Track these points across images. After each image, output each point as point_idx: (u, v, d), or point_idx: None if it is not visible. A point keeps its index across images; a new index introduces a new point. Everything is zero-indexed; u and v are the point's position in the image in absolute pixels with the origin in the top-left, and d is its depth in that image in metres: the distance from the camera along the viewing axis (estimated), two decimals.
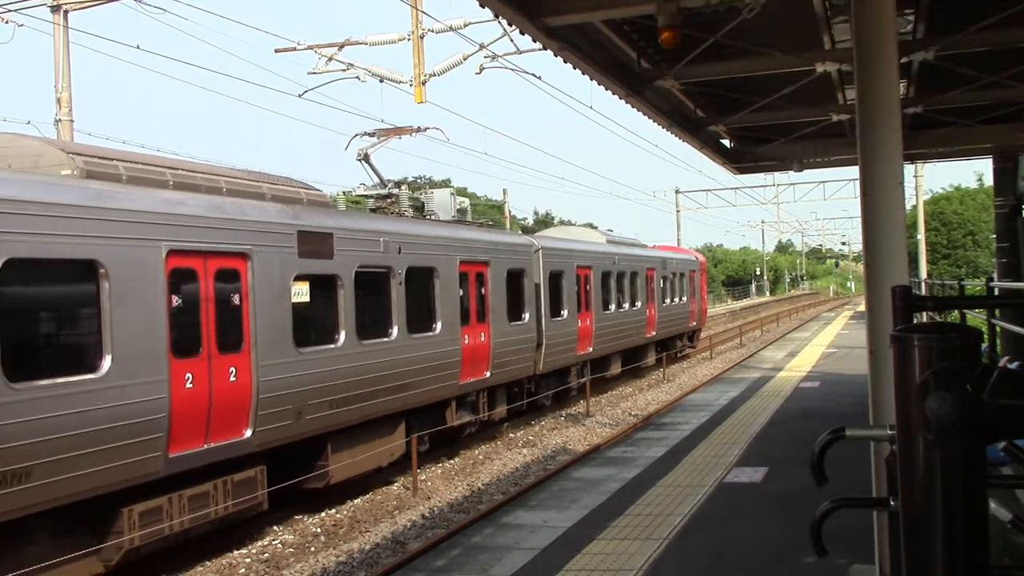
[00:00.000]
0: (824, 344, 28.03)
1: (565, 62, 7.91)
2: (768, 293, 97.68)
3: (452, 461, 15.62)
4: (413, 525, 11.72)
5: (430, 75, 19.37)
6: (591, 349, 21.96)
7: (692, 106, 11.53)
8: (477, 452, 16.36)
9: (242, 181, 11.58)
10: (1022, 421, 1.75)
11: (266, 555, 10.70)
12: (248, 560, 10.52)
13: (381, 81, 20.09)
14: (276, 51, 20.35)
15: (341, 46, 20.18)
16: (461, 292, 15.60)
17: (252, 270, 10.57)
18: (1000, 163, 15.46)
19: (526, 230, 50.57)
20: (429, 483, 14.02)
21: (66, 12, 16.59)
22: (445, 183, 74.02)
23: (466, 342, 15.66)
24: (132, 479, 8.91)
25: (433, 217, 17.31)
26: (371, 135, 17.20)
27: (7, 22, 15.87)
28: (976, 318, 11.16)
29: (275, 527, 11.78)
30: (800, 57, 8.79)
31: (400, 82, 19.73)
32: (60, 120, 16.67)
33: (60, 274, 8.61)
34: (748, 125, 12.41)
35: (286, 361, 11.00)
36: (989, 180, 44.66)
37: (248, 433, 10.37)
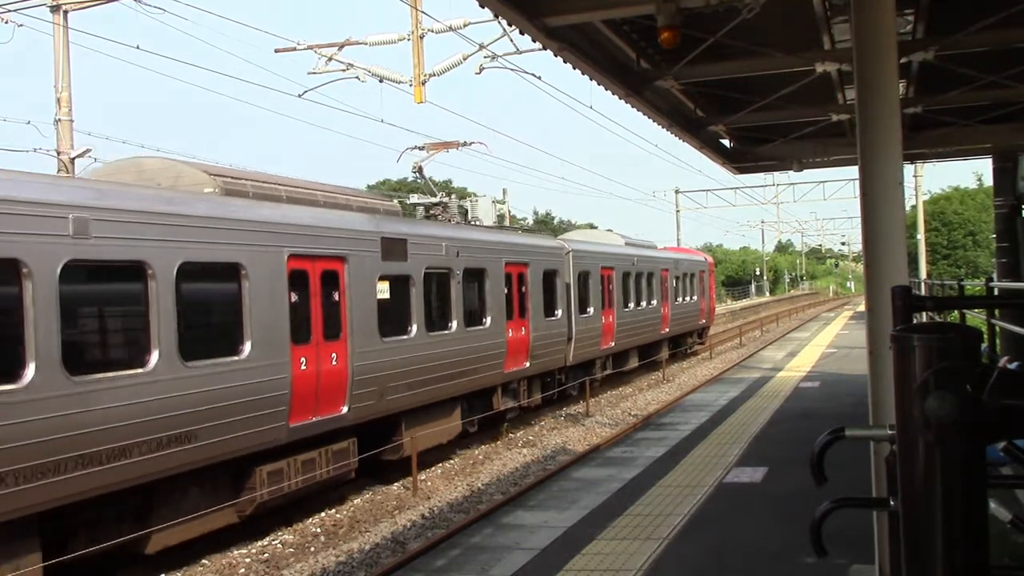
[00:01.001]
0: (824, 344, 28.03)
1: (565, 62, 7.91)
2: (768, 293, 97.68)
3: (452, 461, 15.62)
4: (413, 525, 11.72)
5: (430, 75, 19.35)
6: (613, 344, 23.61)
7: (692, 106, 11.52)
8: (477, 452, 16.36)
9: (334, 195, 13.44)
10: (1022, 421, 1.74)
11: (266, 555, 10.70)
12: (248, 560, 10.52)
13: (381, 81, 20.06)
14: (276, 51, 20.32)
15: (341, 46, 20.15)
16: (506, 290, 17.40)
17: (348, 271, 12.45)
18: (1000, 163, 15.45)
19: (529, 231, 50.60)
20: (429, 483, 14.02)
21: (66, 12, 16.57)
22: (446, 183, 74.07)
23: (510, 335, 17.45)
24: (264, 443, 10.74)
25: (477, 223, 18.98)
26: (421, 148, 19.23)
27: (7, 22, 15.86)
28: (976, 318, 11.16)
29: (275, 527, 11.77)
30: (800, 57, 8.79)
31: (400, 82, 19.70)
32: (60, 120, 16.66)
33: (217, 274, 10.43)
34: (748, 125, 12.41)
35: (373, 349, 12.86)
36: (988, 180, 44.69)
37: (345, 409, 12.18)
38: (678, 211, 61.53)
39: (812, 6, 7.63)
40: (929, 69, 9.28)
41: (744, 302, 78.43)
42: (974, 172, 63.72)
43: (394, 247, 13.52)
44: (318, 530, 11.70)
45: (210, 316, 10.71)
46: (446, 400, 15.06)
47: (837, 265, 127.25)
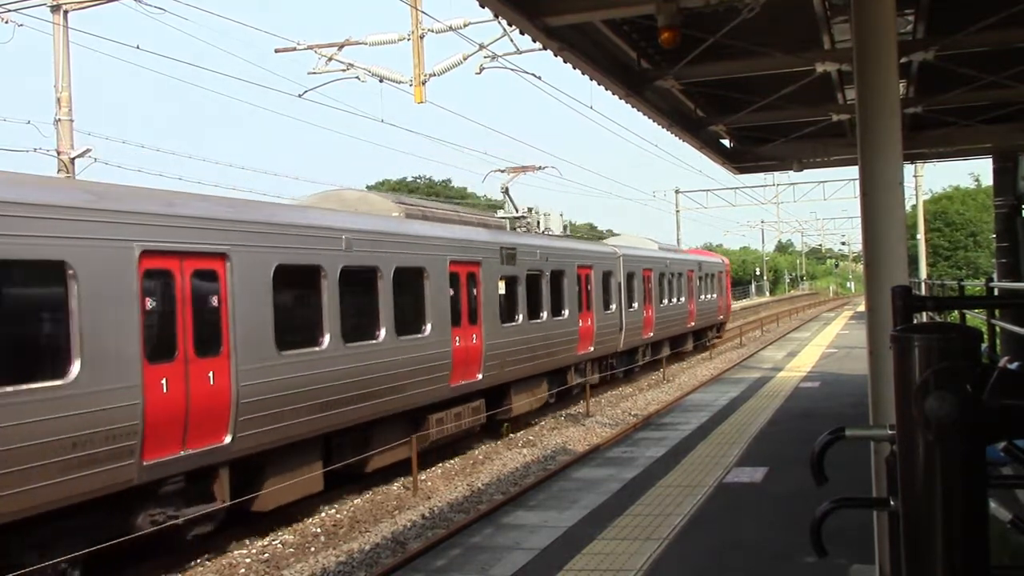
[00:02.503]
0: (824, 344, 28.02)
1: (565, 62, 7.91)
2: (768, 293, 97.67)
3: (452, 461, 15.62)
4: (413, 525, 11.71)
5: (430, 75, 19.33)
6: (652, 334, 27.55)
7: (692, 106, 11.52)
8: (477, 452, 16.36)
9: (466, 215, 18.35)
10: (1022, 421, 1.74)
11: (266, 555, 10.70)
12: (248, 560, 10.51)
13: (381, 81, 20.04)
14: (276, 51, 20.28)
15: (341, 46, 20.14)
16: (577, 288, 21.28)
17: (481, 273, 16.49)
18: (1000, 163, 15.45)
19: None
20: (429, 483, 14.02)
21: (66, 12, 16.55)
22: (446, 183, 74.01)
23: (580, 324, 21.32)
24: (436, 397, 14.69)
25: (548, 232, 22.92)
26: (503, 172, 24.15)
27: (7, 22, 15.83)
28: (976, 318, 11.16)
29: (275, 527, 11.77)
30: (800, 57, 8.79)
31: (400, 82, 19.69)
32: (60, 120, 16.64)
33: (412, 276, 14.21)
34: (748, 125, 12.41)
35: (497, 331, 16.83)
36: (986, 181, 44.57)
37: (480, 376, 16.15)
38: (678, 211, 61.48)
39: (812, 6, 7.63)
40: (929, 69, 9.28)
41: (744, 302, 78.36)
42: (970, 174, 63.54)
43: (508, 254, 17.74)
44: (318, 530, 11.70)
45: (410, 304, 14.27)
46: (538, 375, 19.10)
47: (837, 265, 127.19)
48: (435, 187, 72.48)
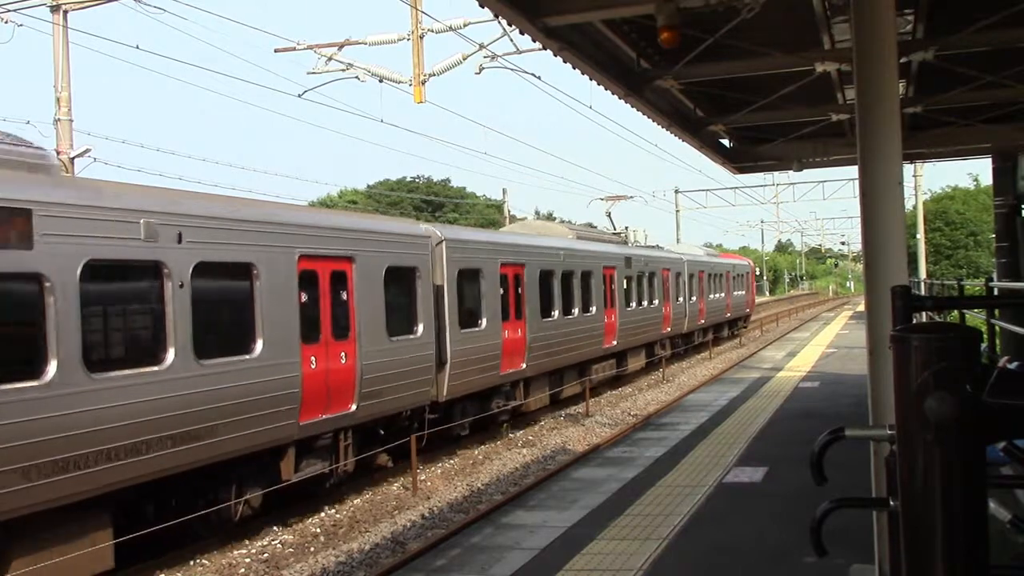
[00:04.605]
0: (824, 344, 28.03)
1: (565, 62, 7.91)
2: (768, 293, 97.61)
3: (452, 461, 15.62)
4: (413, 525, 11.71)
5: (430, 75, 19.33)
6: (703, 321, 35.55)
7: (692, 106, 11.52)
8: (477, 452, 16.36)
9: (600, 233, 28.11)
10: (1022, 421, 1.74)
11: (266, 555, 10.69)
12: (248, 560, 10.51)
13: (381, 81, 20.04)
14: (276, 51, 20.28)
15: (341, 46, 20.13)
16: (662, 285, 29.34)
17: (616, 274, 24.57)
18: (1000, 163, 15.44)
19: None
20: (429, 483, 14.01)
21: (66, 12, 16.54)
22: (445, 182, 74.05)
23: (663, 311, 29.42)
24: (594, 355, 22.70)
25: (636, 244, 30.10)
26: (603, 200, 32.25)
27: (7, 22, 15.82)
28: (976, 318, 11.16)
29: (275, 527, 11.77)
30: (800, 57, 8.79)
31: (400, 82, 19.68)
32: (59, 120, 16.63)
33: (587, 276, 22.28)
34: (748, 125, 12.40)
35: (624, 313, 24.99)
36: (985, 180, 44.44)
37: (615, 343, 24.12)
38: (678, 211, 61.40)
39: (812, 6, 7.63)
40: (929, 69, 9.27)
41: None
42: (968, 174, 63.39)
43: (627, 261, 25.84)
44: (318, 530, 11.70)
45: (586, 294, 22.10)
46: (640, 346, 27.02)
47: (837, 265, 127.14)
48: (435, 187, 72.50)
